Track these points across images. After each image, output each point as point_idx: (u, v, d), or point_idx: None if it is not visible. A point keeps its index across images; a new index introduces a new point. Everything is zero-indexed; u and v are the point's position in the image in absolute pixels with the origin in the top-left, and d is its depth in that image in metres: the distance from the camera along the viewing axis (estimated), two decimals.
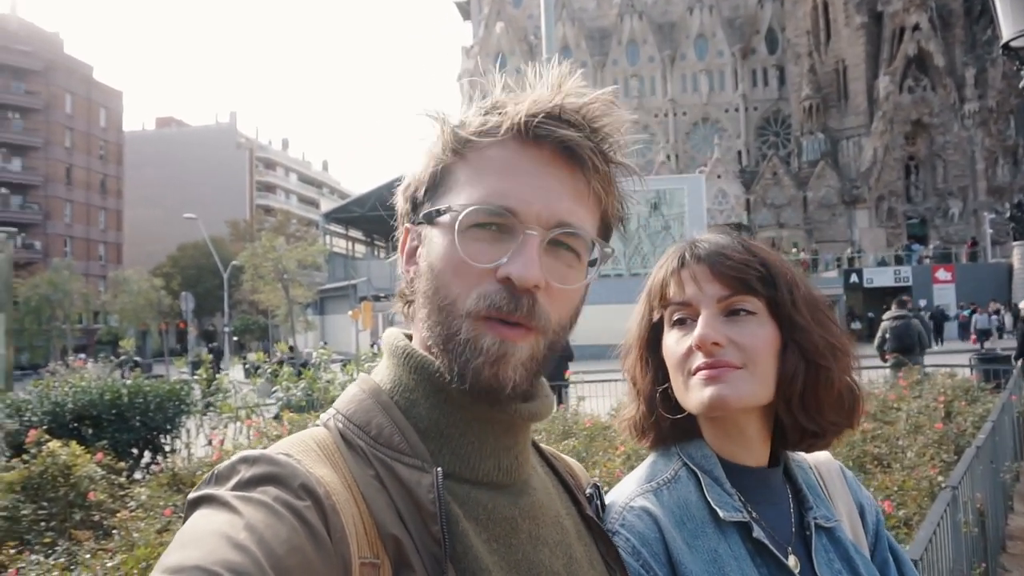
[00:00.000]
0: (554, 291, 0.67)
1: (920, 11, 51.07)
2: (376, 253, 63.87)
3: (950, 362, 10.44)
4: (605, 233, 0.75)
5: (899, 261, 38.50)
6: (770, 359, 0.87)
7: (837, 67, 55.24)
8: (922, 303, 31.89)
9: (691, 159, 60.57)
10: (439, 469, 0.63)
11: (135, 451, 6.42)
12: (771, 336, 0.87)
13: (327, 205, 70.46)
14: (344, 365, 9.44)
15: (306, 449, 0.63)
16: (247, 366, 11.59)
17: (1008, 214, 41.51)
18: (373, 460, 0.64)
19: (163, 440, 6.70)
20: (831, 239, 50.66)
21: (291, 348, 20.32)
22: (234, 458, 0.60)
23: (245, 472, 0.58)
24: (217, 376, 8.28)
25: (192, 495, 0.59)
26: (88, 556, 2.74)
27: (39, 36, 57.73)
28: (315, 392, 7.60)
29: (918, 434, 4.53)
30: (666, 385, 0.92)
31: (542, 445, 0.84)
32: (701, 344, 0.85)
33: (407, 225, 0.74)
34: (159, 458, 6.50)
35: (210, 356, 8.74)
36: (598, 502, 0.85)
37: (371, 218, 52.12)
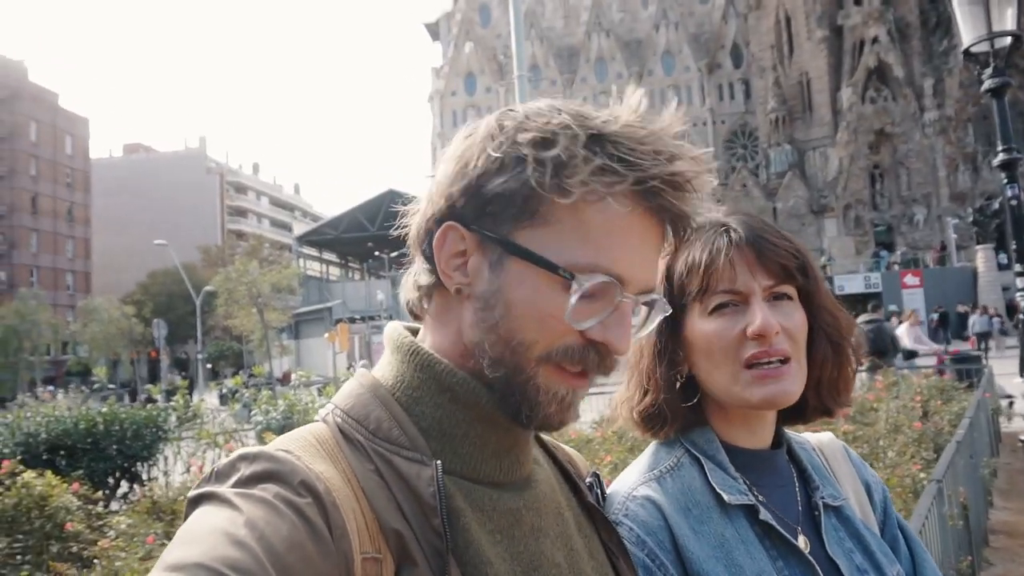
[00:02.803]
0: None
1: (879, 24, 52.53)
2: (350, 275, 63.44)
3: (922, 363, 10.64)
4: None
5: (868, 268, 39.28)
6: (804, 345, 0.88)
7: (801, 80, 56.48)
8: (892, 307, 32.53)
9: None
10: (438, 462, 0.63)
11: (111, 480, 6.27)
12: (805, 322, 0.88)
13: (300, 228, 69.95)
14: (323, 388, 9.33)
15: (305, 445, 0.63)
16: (224, 392, 11.40)
17: (971, 219, 42.60)
18: (372, 454, 0.64)
19: (140, 468, 6.56)
20: None
21: (269, 373, 20.08)
22: (233, 456, 0.60)
23: (245, 469, 0.58)
24: (191, 403, 8.14)
25: (192, 493, 0.58)
26: None
27: (2, 64, 56.81)
28: (295, 415, 7.51)
29: (898, 433, 4.59)
30: (676, 371, 0.91)
31: (543, 435, 0.82)
32: (765, 333, 0.84)
33: (455, 224, 0.66)
34: (136, 487, 6.35)
35: (186, 381, 8.59)
36: (598, 491, 0.84)
37: (345, 240, 51.81)
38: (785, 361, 0.85)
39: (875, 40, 52.80)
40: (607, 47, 65.93)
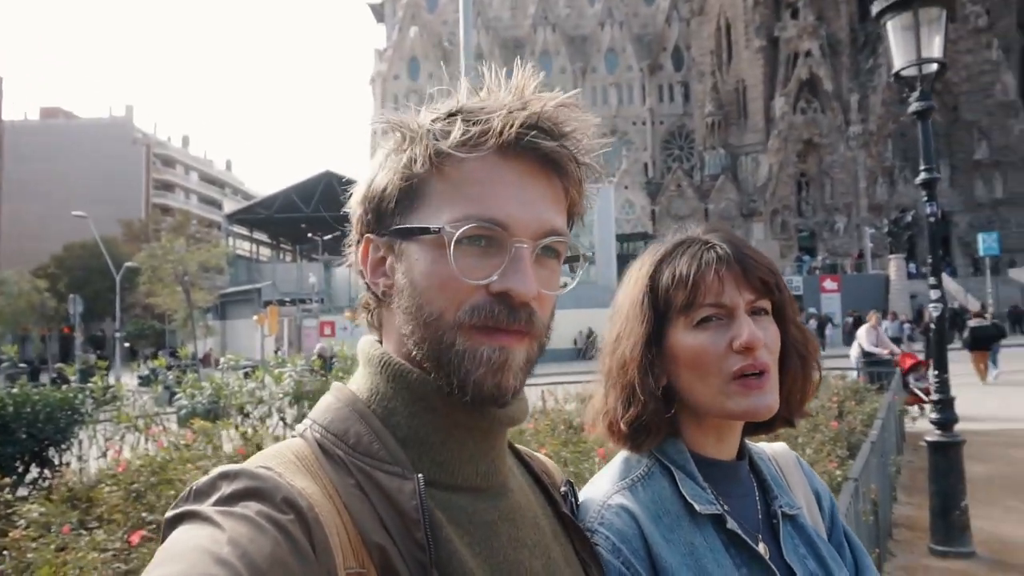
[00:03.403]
0: (543, 297, 0.69)
1: (812, 38, 54.63)
2: (282, 256, 61.83)
3: (836, 366, 11.18)
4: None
5: (791, 272, 40.97)
6: (778, 358, 0.91)
7: (737, 86, 58.21)
8: (811, 310, 34.05)
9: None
10: (420, 476, 0.63)
11: (19, 466, 5.93)
12: (779, 336, 0.91)
13: (230, 206, 67.67)
14: (251, 372, 9.08)
15: (285, 461, 0.62)
16: (146, 373, 10.94)
17: (886, 229, 44.99)
18: (353, 469, 0.64)
19: (52, 453, 6.22)
20: None
21: (194, 355, 19.39)
22: (213, 474, 0.59)
23: (226, 488, 0.57)
24: (111, 385, 7.79)
25: (170, 513, 0.58)
26: None
27: None
28: (222, 399, 7.29)
29: (815, 432, 4.82)
30: (656, 383, 0.93)
31: (517, 445, 0.84)
32: (753, 346, 0.87)
33: (370, 236, 0.71)
34: (47, 472, 6.03)
35: (105, 362, 8.20)
36: (572, 499, 0.86)
37: (277, 220, 50.43)
38: (765, 373, 0.88)
39: (808, 53, 54.89)
40: (552, 41, 66.23)
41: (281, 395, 7.00)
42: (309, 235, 55.02)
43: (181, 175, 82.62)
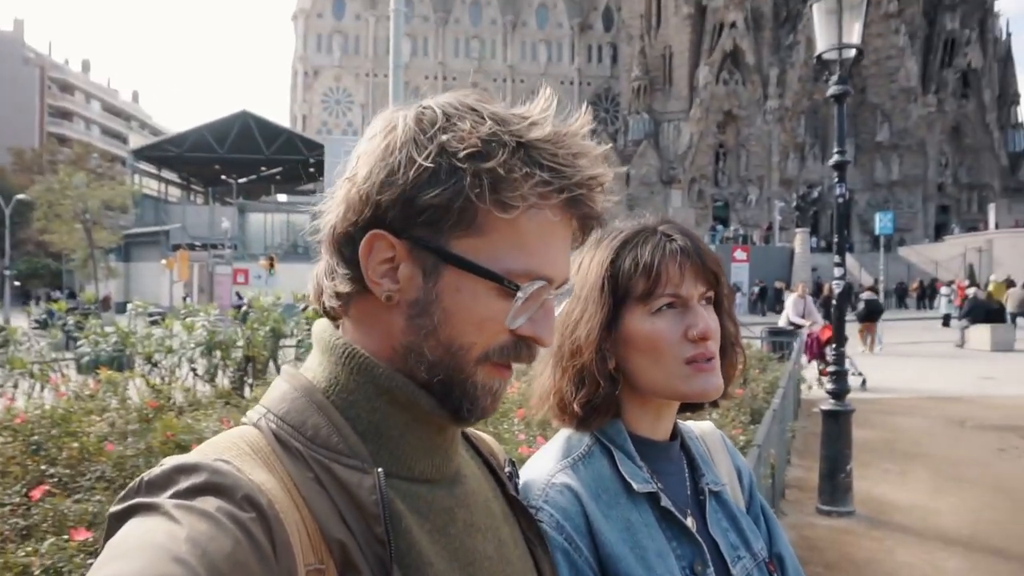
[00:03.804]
0: None
1: (738, 10, 55.73)
2: (192, 198, 58.90)
3: (743, 335, 11.80)
4: None
5: (706, 240, 42.47)
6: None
7: (664, 53, 58.92)
8: None
9: None
10: (380, 470, 0.62)
11: None
12: (719, 325, 0.98)
13: (137, 141, 63.69)
14: (161, 319, 8.71)
15: (241, 453, 0.61)
16: (44, 316, 10.25)
17: (794, 204, 47.20)
18: (311, 462, 0.62)
19: None
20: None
21: (98, 299, 18.34)
22: (167, 466, 0.57)
23: (183, 482, 0.55)
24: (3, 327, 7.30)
25: (119, 507, 0.55)
26: None
27: None
28: (128, 347, 6.98)
29: (721, 399, 5.10)
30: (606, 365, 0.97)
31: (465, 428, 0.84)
32: (709, 336, 0.93)
33: (381, 232, 0.65)
34: None
35: None
36: (516, 479, 0.88)
37: (188, 159, 47.81)
38: (713, 359, 0.94)
39: (733, 25, 56.03)
40: None
41: (193, 345, 6.77)
42: (223, 177, 52.58)
43: (81, 103, 76.67)
